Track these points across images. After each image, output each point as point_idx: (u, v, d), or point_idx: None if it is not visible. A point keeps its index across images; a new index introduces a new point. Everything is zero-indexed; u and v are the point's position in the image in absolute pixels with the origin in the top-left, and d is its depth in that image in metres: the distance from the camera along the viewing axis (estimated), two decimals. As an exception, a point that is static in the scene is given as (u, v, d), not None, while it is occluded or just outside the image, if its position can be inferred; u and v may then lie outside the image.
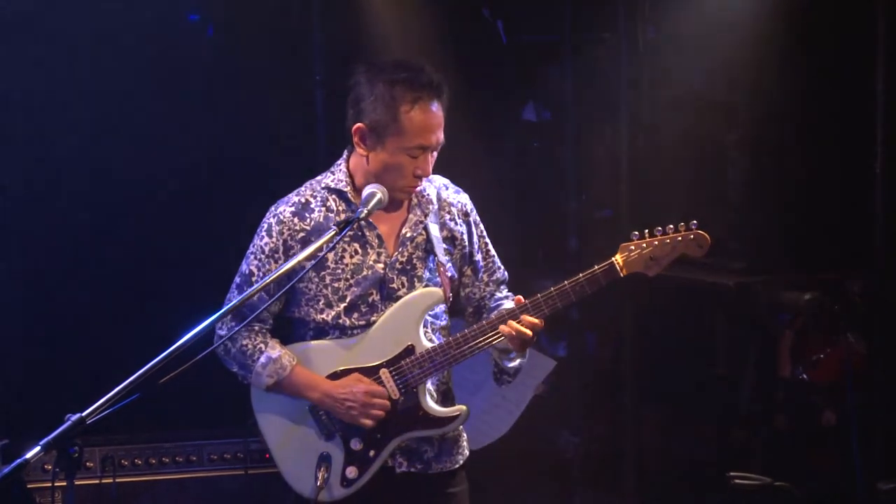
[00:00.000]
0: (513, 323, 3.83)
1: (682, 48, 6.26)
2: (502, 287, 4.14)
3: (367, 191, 3.83)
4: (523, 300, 3.87)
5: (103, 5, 5.89)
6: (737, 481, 5.71)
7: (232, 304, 3.68)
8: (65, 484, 3.12)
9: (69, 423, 3.06)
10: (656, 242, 3.86)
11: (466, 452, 4.10)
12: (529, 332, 3.83)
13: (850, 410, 5.55)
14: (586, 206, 6.67)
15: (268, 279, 3.66)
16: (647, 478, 6.42)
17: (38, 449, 3.04)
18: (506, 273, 4.15)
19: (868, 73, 5.82)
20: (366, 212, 3.77)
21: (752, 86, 6.21)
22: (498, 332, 3.84)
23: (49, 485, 5.03)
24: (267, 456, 5.24)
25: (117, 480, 5.13)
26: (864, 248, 5.85)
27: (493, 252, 4.13)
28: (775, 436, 6.20)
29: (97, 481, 5.10)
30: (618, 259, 3.85)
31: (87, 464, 5.15)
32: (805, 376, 5.96)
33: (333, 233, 3.75)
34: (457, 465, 4.04)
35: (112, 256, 5.96)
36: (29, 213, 5.96)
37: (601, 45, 6.57)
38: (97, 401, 3.11)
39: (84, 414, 3.08)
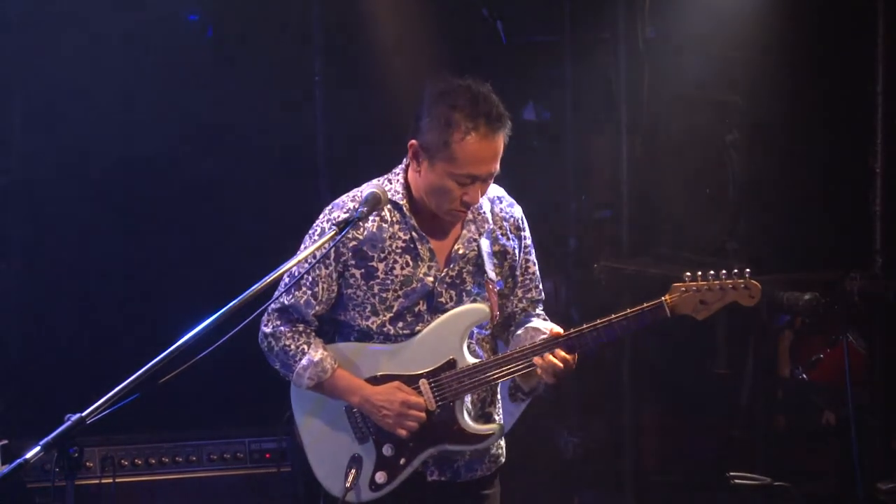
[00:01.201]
0: (549, 356, 3.80)
1: (682, 48, 6.26)
2: (537, 307, 4.10)
3: (367, 191, 3.82)
4: (562, 332, 3.84)
5: (103, 5, 5.90)
6: (737, 481, 5.70)
7: (229, 307, 3.53)
8: (65, 484, 3.12)
9: (69, 422, 3.06)
10: (707, 287, 3.83)
11: (502, 460, 4.10)
12: (562, 365, 3.80)
13: (849, 410, 5.54)
14: (586, 206, 6.66)
15: (264, 281, 3.61)
16: (647, 478, 6.42)
17: (38, 449, 3.04)
18: (542, 294, 4.11)
19: (868, 73, 5.81)
20: (365, 211, 3.75)
21: (752, 86, 6.20)
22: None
23: (49, 485, 5.02)
24: (268, 456, 5.27)
25: (117, 480, 5.13)
26: (864, 248, 5.84)
27: (533, 270, 4.08)
28: (775, 436, 6.19)
29: (97, 481, 5.11)
30: (667, 298, 3.84)
31: (87, 464, 5.16)
32: (805, 376, 5.96)
33: (334, 232, 3.73)
34: (489, 473, 4.06)
35: (112, 256, 5.97)
36: (29, 214, 5.97)
37: (601, 45, 6.57)
38: (97, 401, 3.11)
39: (84, 414, 3.08)
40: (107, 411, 3.11)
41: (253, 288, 3.75)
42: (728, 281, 3.83)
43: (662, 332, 6.39)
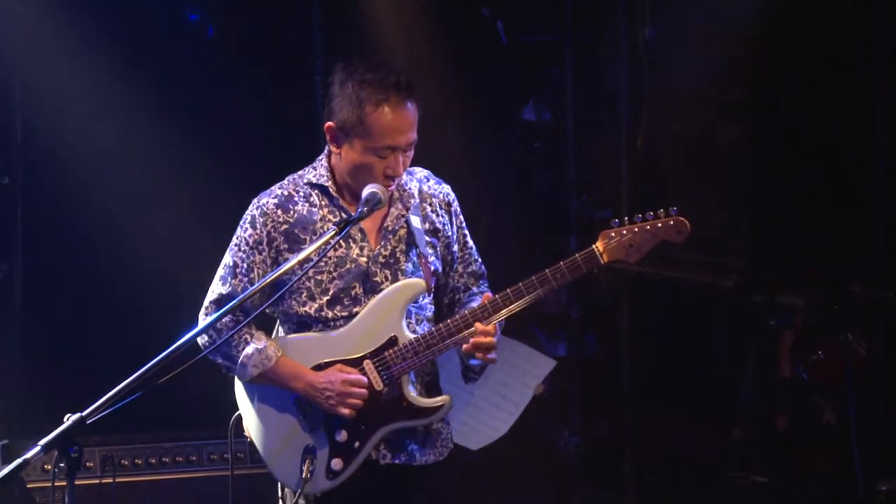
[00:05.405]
0: (474, 340, 3.82)
1: (682, 48, 6.26)
2: (481, 282, 4.12)
3: (367, 190, 3.82)
4: (491, 296, 3.86)
5: (103, 5, 5.90)
6: (737, 481, 5.71)
7: (230, 306, 3.68)
8: (65, 484, 3.12)
9: (69, 423, 3.06)
10: (636, 229, 3.88)
11: (451, 445, 4.08)
12: (485, 339, 3.81)
13: (850, 410, 5.55)
14: (586, 206, 6.66)
15: (266, 280, 3.64)
16: (647, 478, 6.42)
17: (38, 449, 3.04)
18: (483, 268, 4.14)
19: (869, 73, 5.82)
20: (366, 211, 3.78)
21: (752, 86, 6.20)
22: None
23: (49, 485, 5.02)
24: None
25: (117, 480, 5.13)
26: (864, 248, 5.84)
27: (470, 244, 4.12)
28: (775, 436, 6.20)
29: (97, 481, 5.11)
30: (598, 246, 3.87)
31: (88, 464, 5.15)
32: (805, 376, 5.97)
33: (333, 233, 3.75)
34: (441, 458, 4.03)
35: (112, 256, 5.96)
36: (29, 213, 5.97)
37: (601, 45, 6.57)
38: (97, 401, 3.11)
39: (84, 414, 3.08)
40: (107, 411, 3.11)
41: (253, 288, 3.77)
42: (656, 221, 3.88)
43: (663, 332, 6.40)
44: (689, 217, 3.86)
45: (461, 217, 4.10)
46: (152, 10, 6.03)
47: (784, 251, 6.24)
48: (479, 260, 4.13)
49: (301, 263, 3.73)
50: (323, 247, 3.75)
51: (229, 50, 6.17)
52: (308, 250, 3.71)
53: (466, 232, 4.11)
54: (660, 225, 3.88)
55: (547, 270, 3.86)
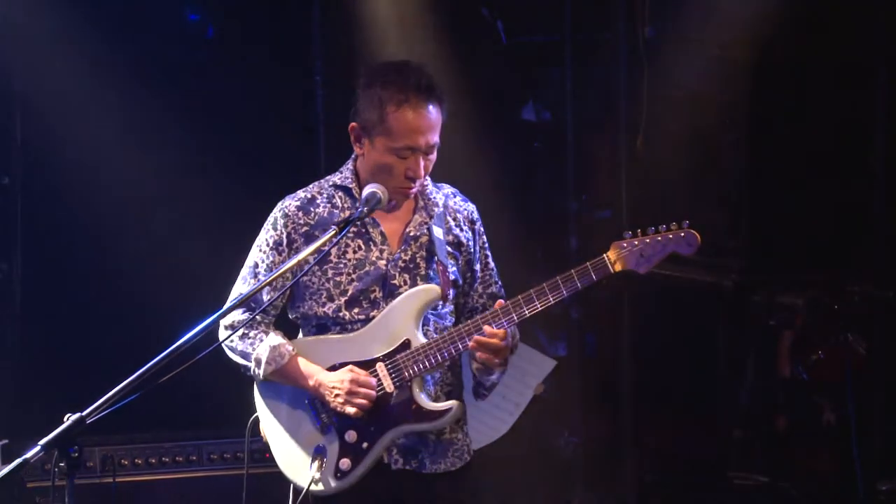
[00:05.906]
0: (477, 338, 3.84)
1: (682, 48, 6.27)
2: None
3: (367, 190, 3.86)
4: (503, 303, 3.89)
5: (103, 5, 5.90)
6: (737, 481, 5.71)
7: (237, 300, 3.80)
8: (65, 484, 3.12)
9: (69, 422, 3.06)
10: (647, 241, 3.90)
11: (467, 457, 4.09)
12: (496, 341, 3.83)
13: (850, 410, 5.55)
14: (586, 206, 6.67)
15: (272, 276, 3.73)
16: (647, 478, 6.42)
17: (38, 449, 3.05)
18: (503, 290, 4.15)
19: (869, 73, 5.82)
20: (366, 210, 3.81)
21: (752, 86, 6.20)
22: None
23: (49, 485, 5.02)
24: (268, 455, 5.26)
25: (117, 480, 5.14)
26: (864, 248, 5.85)
27: (492, 266, 4.15)
28: (775, 436, 6.20)
29: (97, 481, 5.11)
30: (609, 256, 3.89)
31: (88, 464, 5.16)
32: (805, 376, 5.97)
33: (334, 232, 3.78)
34: (453, 468, 4.04)
35: (112, 256, 5.97)
36: (29, 213, 5.97)
37: (601, 45, 6.58)
38: (97, 401, 3.11)
39: (84, 413, 3.08)
40: (107, 411, 3.12)
41: (253, 288, 3.79)
42: (667, 233, 3.90)
43: (663, 332, 6.40)
44: (698, 227, 3.87)
45: (484, 238, 4.13)
46: (152, 9, 6.03)
47: (784, 251, 6.25)
48: (500, 282, 4.15)
49: (300, 264, 3.75)
50: (323, 245, 3.76)
51: (229, 50, 6.17)
52: (311, 248, 3.74)
53: (489, 253, 4.14)
54: (671, 237, 3.90)
55: (558, 277, 3.89)
